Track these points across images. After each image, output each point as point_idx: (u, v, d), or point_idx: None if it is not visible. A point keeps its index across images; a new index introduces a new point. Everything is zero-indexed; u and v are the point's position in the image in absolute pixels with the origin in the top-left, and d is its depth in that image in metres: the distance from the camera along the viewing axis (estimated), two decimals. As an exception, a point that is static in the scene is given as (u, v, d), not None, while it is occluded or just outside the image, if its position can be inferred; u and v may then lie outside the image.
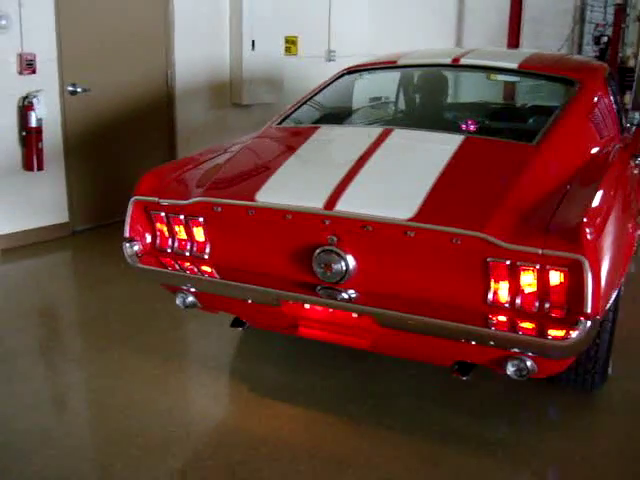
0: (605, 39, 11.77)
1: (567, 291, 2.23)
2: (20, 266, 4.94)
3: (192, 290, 2.90)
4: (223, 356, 3.55)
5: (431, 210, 2.40)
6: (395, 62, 3.81)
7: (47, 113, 5.01)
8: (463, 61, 3.63)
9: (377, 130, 3.00)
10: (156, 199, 2.86)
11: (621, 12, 11.40)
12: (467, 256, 2.32)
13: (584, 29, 12.92)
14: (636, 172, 3.77)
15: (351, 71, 3.87)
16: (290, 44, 6.85)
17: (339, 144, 3.01)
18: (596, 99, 3.34)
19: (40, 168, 5.06)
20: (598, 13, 12.96)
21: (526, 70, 3.52)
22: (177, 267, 2.87)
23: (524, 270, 2.27)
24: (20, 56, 4.85)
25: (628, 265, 2.83)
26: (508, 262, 2.27)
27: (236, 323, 3.02)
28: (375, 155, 2.78)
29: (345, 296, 2.52)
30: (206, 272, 2.83)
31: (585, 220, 2.22)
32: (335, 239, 2.51)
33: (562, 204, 2.40)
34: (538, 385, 3.17)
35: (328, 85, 3.76)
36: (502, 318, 2.34)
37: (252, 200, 2.65)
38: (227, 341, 3.66)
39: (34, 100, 4.91)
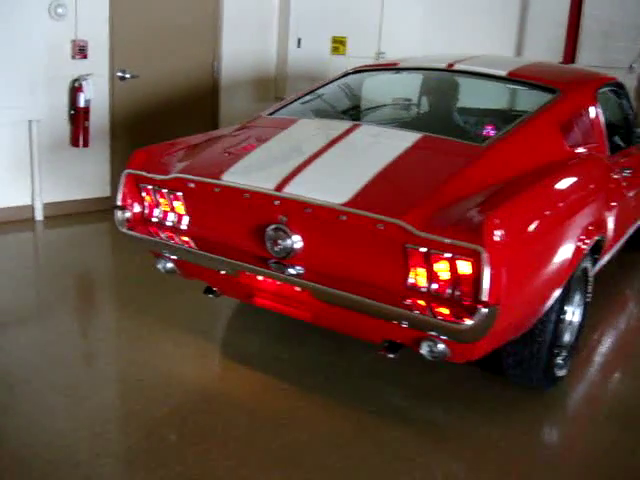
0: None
1: (473, 280, 2.41)
2: (62, 232, 5.47)
3: (171, 257, 3.24)
4: (212, 327, 3.89)
5: (364, 197, 2.64)
6: (396, 64, 4.04)
7: (95, 95, 5.49)
8: (457, 67, 3.82)
9: (346, 124, 3.25)
10: (143, 173, 3.21)
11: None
12: (389, 241, 2.54)
13: (662, 44, 12.54)
14: (624, 184, 3.86)
15: (357, 71, 4.13)
16: (338, 44, 7.11)
17: (308, 135, 3.27)
18: (574, 109, 3.46)
19: (86, 145, 5.54)
20: (680, 28, 12.53)
21: (514, 78, 3.67)
22: (159, 235, 3.21)
23: (437, 258, 2.47)
24: (74, 42, 5.35)
25: (570, 272, 2.95)
26: (423, 250, 2.48)
27: (208, 290, 3.34)
28: (335, 146, 3.04)
29: (292, 271, 2.79)
30: (184, 242, 3.15)
31: (490, 215, 2.40)
32: (284, 218, 2.79)
33: (484, 202, 2.58)
34: (493, 380, 3.35)
35: (330, 82, 4.03)
36: (419, 301, 2.54)
37: (218, 179, 2.96)
38: (219, 313, 4.00)
39: (83, 83, 5.39)
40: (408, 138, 3.04)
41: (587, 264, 3.29)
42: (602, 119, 3.75)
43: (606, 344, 3.97)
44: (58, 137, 5.50)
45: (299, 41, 6.61)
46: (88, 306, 4.22)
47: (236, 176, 2.95)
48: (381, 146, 3.05)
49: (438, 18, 8.28)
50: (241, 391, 3.17)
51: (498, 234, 2.38)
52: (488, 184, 2.77)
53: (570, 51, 8.65)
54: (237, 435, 2.80)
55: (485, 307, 2.35)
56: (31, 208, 5.48)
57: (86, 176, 5.70)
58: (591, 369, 3.66)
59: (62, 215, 5.62)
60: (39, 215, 5.51)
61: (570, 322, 3.42)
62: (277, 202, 2.78)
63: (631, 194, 4.17)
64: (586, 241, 3.08)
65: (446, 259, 2.46)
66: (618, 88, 4.47)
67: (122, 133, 5.85)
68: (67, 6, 5.24)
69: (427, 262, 2.50)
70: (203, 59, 6.26)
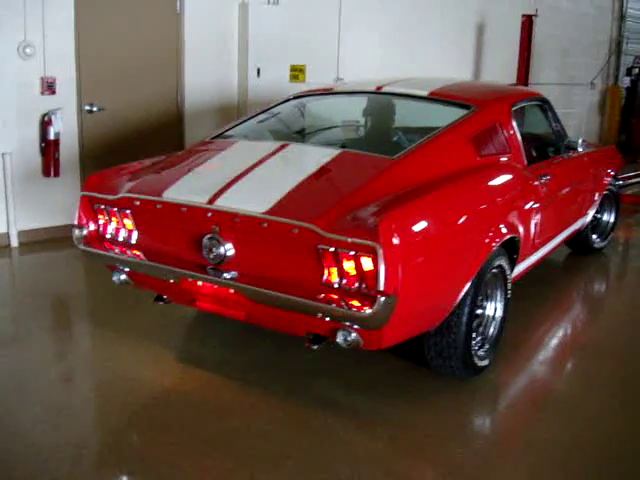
0: (636, 70, 11.95)
1: (375, 275, 2.75)
2: (35, 257, 5.78)
3: (124, 269, 3.58)
4: (168, 335, 4.21)
5: (282, 206, 2.99)
6: (331, 89, 4.43)
7: (64, 128, 5.86)
8: (384, 89, 4.22)
9: (276, 145, 3.63)
10: (95, 194, 3.57)
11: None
12: (304, 243, 2.89)
13: (621, 61, 13.08)
14: (544, 190, 4.22)
15: (296, 97, 4.52)
16: (297, 72, 7.52)
17: (241, 155, 3.63)
18: (486, 123, 3.84)
19: (57, 175, 5.90)
20: (636, 45, 13.08)
21: (434, 97, 4.07)
22: (113, 249, 3.55)
23: (345, 256, 2.82)
24: (42, 79, 5.73)
25: (478, 268, 3.29)
26: (332, 249, 2.83)
27: (158, 298, 3.67)
28: (263, 164, 3.41)
29: (226, 275, 3.13)
30: (134, 254, 3.49)
31: (385, 216, 2.76)
32: (217, 228, 3.14)
33: (385, 206, 2.93)
34: (422, 373, 3.68)
35: (271, 108, 4.42)
36: (333, 295, 2.88)
37: (159, 196, 3.32)
38: (176, 323, 4.34)
39: (52, 116, 5.76)
40: (328, 154, 3.41)
41: (502, 262, 3.61)
42: (517, 132, 4.12)
43: (544, 341, 4.30)
44: (31, 168, 5.86)
45: (258, 70, 7.01)
46: (57, 322, 4.53)
47: (175, 193, 3.31)
48: (303, 162, 3.43)
49: (396, 44, 8.73)
50: (189, 388, 3.50)
51: (393, 233, 2.73)
52: (394, 191, 3.12)
53: (523, 72, 9.10)
54: (183, 424, 3.13)
55: (382, 296, 2.69)
56: (7, 235, 5.81)
57: (58, 204, 6.04)
58: (523, 362, 3.96)
59: (36, 242, 5.96)
60: (14, 242, 5.84)
61: (492, 317, 3.75)
62: (210, 214, 3.13)
63: (556, 200, 4.52)
64: (495, 240, 3.43)
65: (352, 257, 2.80)
66: (542, 103, 4.86)
67: (91, 162, 6.19)
68: (35, 46, 5.62)
69: (337, 261, 2.85)
70: (167, 90, 6.65)
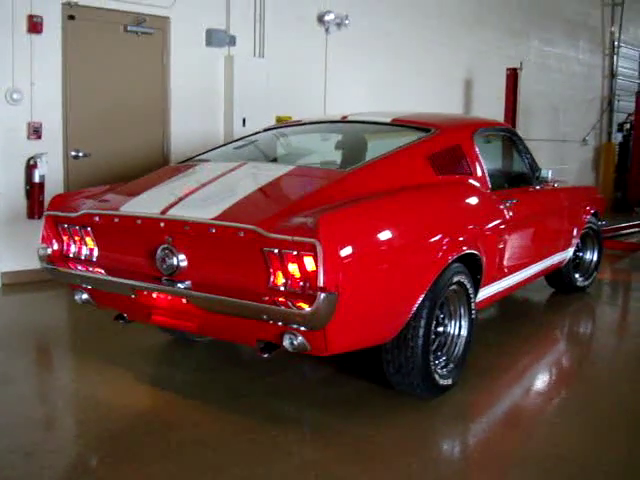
0: (627, 126, 12.13)
1: (317, 274, 2.76)
2: (18, 298, 5.80)
3: (84, 287, 3.60)
4: (134, 360, 4.19)
5: (230, 213, 3.04)
6: (300, 121, 4.55)
7: (50, 172, 6.00)
8: (350, 118, 4.33)
9: (235, 163, 3.71)
10: (59, 212, 3.63)
11: (642, 99, 11.77)
12: (250, 246, 2.91)
13: (613, 118, 13.30)
14: (509, 214, 4.24)
15: (267, 129, 4.65)
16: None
17: (200, 174, 3.71)
18: (445, 144, 3.91)
19: (41, 217, 5.98)
20: (627, 103, 13.32)
21: (396, 123, 4.16)
22: (76, 267, 3.59)
23: (289, 257, 2.83)
24: (29, 124, 5.90)
25: (432, 279, 3.28)
26: (276, 250, 2.85)
27: (118, 317, 3.68)
28: (219, 179, 3.48)
29: (180, 285, 3.14)
30: (95, 272, 3.52)
31: (324, 215, 2.79)
32: (170, 239, 3.18)
33: (328, 208, 2.96)
34: (383, 391, 3.64)
35: (242, 138, 4.54)
36: (280, 298, 2.88)
37: (117, 210, 3.37)
38: (142, 349, 4.33)
39: (38, 160, 5.91)
40: (282, 169, 3.48)
41: (461, 279, 3.60)
42: (480, 156, 4.18)
43: (519, 366, 4.25)
44: (15, 210, 5.97)
45: (244, 120, 7.19)
46: (37, 355, 4.50)
47: (131, 207, 3.37)
48: (257, 176, 3.49)
49: (383, 98, 8.93)
50: (142, 404, 3.48)
51: (332, 230, 2.75)
52: (336, 199, 3.13)
53: (510, 124, 9.26)
54: (134, 438, 3.10)
55: (322, 292, 2.69)
56: (-11, 277, 5.88)
57: (42, 246, 6.11)
58: (490, 384, 3.90)
59: (20, 283, 6.00)
60: (-3, 283, 5.90)
61: (456, 335, 3.72)
62: (162, 224, 3.18)
63: (525, 226, 4.53)
64: (451, 253, 3.43)
65: (295, 258, 2.82)
66: (509, 133, 4.95)
67: (77, 206, 6.31)
68: (22, 92, 5.82)
69: (282, 263, 2.86)
70: (153, 138, 6.82)
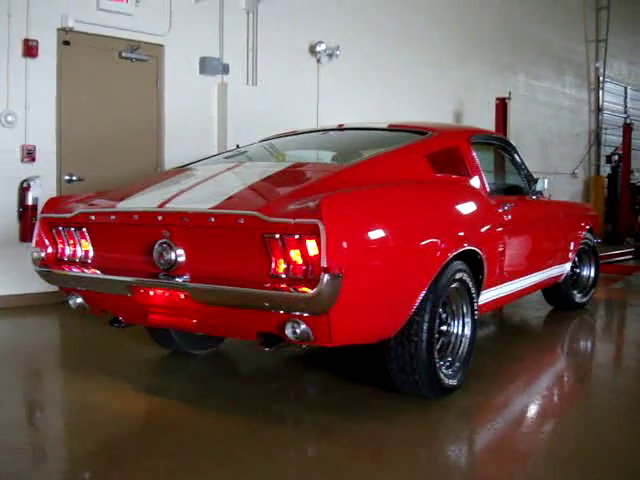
0: (616, 157, 12.25)
1: (319, 256, 2.70)
2: (12, 323, 5.67)
3: (79, 290, 3.53)
4: (134, 372, 4.09)
5: (229, 202, 3.00)
6: (297, 131, 4.56)
7: (43, 195, 5.94)
8: (346, 125, 4.34)
9: (232, 164, 3.69)
10: (53, 214, 3.58)
11: (629, 131, 11.92)
12: (250, 233, 2.86)
13: (600, 151, 13.46)
14: (507, 216, 4.21)
15: (262, 140, 4.67)
16: (277, 149, 7.73)
17: (197, 173, 3.70)
18: (442, 145, 3.91)
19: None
20: (614, 137, 13.49)
21: (392, 128, 4.18)
22: (70, 269, 3.52)
23: (291, 242, 2.78)
24: (23, 147, 5.89)
25: (434, 273, 3.22)
26: (278, 236, 2.80)
27: (114, 321, 3.59)
28: (217, 176, 3.45)
29: (178, 280, 3.08)
30: (91, 272, 3.44)
31: (327, 196, 2.75)
32: (168, 233, 3.12)
33: (327, 195, 2.92)
34: (386, 393, 3.55)
35: (240, 147, 4.55)
36: (281, 285, 2.82)
37: (113, 208, 3.33)
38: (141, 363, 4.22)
39: (31, 182, 5.88)
40: (281, 165, 3.46)
41: (463, 276, 3.55)
42: (477, 161, 4.18)
43: (525, 373, 4.16)
44: (8, 233, 5.90)
45: (237, 146, 7.18)
46: (34, 371, 4.38)
47: (128, 204, 3.33)
48: (255, 172, 3.47)
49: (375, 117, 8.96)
50: (140, 409, 3.38)
51: (335, 210, 2.71)
52: (334, 187, 3.08)
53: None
54: (134, 438, 3.04)
55: (326, 273, 2.63)
56: (-19, 301, 5.77)
57: (34, 271, 6.02)
58: (496, 389, 3.80)
59: (13, 307, 5.89)
60: (-12, 308, 5.79)
61: (461, 335, 3.65)
62: (160, 217, 3.12)
63: (524, 231, 4.52)
64: (451, 248, 3.37)
65: (297, 242, 2.77)
66: (504, 144, 4.97)
67: (70, 230, 6.25)
68: (17, 115, 5.83)
69: (283, 248, 2.81)
70: (147, 164, 6.81)
